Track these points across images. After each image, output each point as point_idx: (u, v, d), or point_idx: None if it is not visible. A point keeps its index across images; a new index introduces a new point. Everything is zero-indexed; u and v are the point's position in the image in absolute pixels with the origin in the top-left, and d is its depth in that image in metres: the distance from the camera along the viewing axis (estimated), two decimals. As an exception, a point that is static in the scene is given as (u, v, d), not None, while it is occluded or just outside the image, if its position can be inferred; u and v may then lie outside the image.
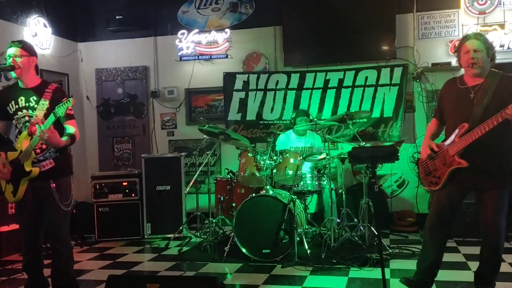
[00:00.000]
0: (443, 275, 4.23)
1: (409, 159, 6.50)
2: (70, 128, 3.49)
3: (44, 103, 3.45)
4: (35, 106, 3.46)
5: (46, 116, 3.39)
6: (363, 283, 4.15)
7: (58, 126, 3.44)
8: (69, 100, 3.24)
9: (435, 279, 4.08)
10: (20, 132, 3.50)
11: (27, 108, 3.48)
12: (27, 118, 3.47)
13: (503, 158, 3.24)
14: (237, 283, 4.31)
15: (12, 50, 3.46)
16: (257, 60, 7.14)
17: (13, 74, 3.48)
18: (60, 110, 3.23)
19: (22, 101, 3.49)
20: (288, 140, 5.95)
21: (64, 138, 3.41)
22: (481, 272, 3.35)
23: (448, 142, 3.32)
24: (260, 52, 7.12)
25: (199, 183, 6.31)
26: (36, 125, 3.35)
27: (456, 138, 3.22)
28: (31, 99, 3.48)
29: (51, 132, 3.26)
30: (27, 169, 3.41)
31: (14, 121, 3.53)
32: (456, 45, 3.39)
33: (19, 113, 3.49)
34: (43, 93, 3.48)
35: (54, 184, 3.48)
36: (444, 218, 3.42)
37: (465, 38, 3.31)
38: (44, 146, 3.47)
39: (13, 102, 3.50)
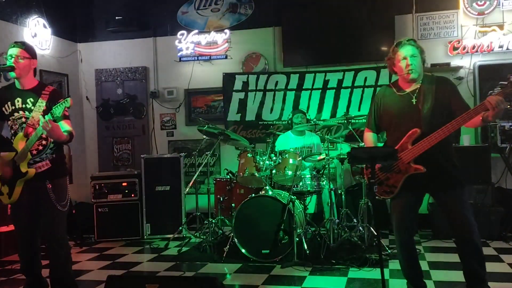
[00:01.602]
0: (442, 275, 4.25)
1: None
2: (66, 126, 3.49)
3: (41, 105, 3.45)
4: (32, 107, 3.47)
5: (42, 118, 3.40)
6: (362, 283, 4.15)
7: None
8: (66, 100, 3.24)
9: (434, 279, 4.11)
10: (15, 133, 3.50)
11: (23, 109, 3.48)
12: (23, 119, 3.48)
13: (451, 157, 3.30)
14: (237, 284, 4.31)
15: (14, 51, 3.47)
16: (256, 60, 7.14)
17: (12, 74, 3.49)
18: (58, 110, 3.24)
19: (18, 102, 3.49)
20: (287, 141, 5.95)
21: (65, 133, 3.42)
22: (470, 270, 3.30)
23: (398, 149, 3.26)
24: (259, 52, 7.12)
25: (198, 184, 6.32)
26: (40, 116, 3.34)
27: (408, 145, 3.21)
28: (28, 100, 3.49)
29: (54, 124, 3.26)
30: (23, 170, 3.40)
31: (9, 122, 3.53)
32: (391, 51, 3.35)
33: (16, 114, 3.49)
34: (40, 94, 3.48)
35: (50, 185, 3.48)
36: (410, 227, 3.44)
37: (399, 44, 3.30)
38: (40, 147, 3.47)
39: (9, 103, 3.50)
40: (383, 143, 3.73)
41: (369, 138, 3.61)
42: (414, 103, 3.26)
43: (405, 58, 3.26)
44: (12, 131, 3.53)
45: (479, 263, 3.26)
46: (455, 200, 3.25)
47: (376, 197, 3.37)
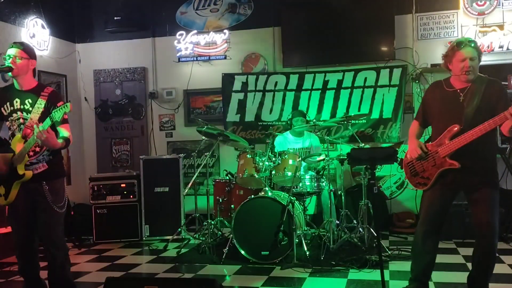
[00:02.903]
0: (442, 276, 4.23)
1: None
2: (64, 132, 3.48)
3: (40, 106, 3.43)
4: (30, 108, 3.45)
5: (41, 119, 3.39)
6: (362, 285, 4.13)
7: (52, 129, 3.42)
8: (66, 106, 3.22)
9: (434, 281, 4.09)
10: (13, 135, 3.48)
11: (22, 110, 3.46)
12: (21, 120, 3.46)
13: (490, 158, 3.34)
14: (236, 285, 4.29)
15: (12, 51, 3.45)
16: (255, 61, 7.13)
17: (10, 74, 3.47)
18: (57, 115, 3.22)
19: (17, 103, 3.48)
20: (285, 141, 5.93)
21: (60, 141, 3.40)
22: (475, 274, 3.33)
23: (436, 143, 3.33)
24: (258, 53, 7.10)
25: (197, 185, 6.30)
26: (34, 126, 3.33)
27: (446, 140, 3.26)
28: (26, 101, 3.47)
29: (49, 133, 3.24)
30: (20, 172, 3.38)
31: (8, 123, 3.51)
32: (450, 49, 3.36)
33: (14, 115, 3.47)
34: (39, 96, 3.46)
35: (47, 186, 3.46)
36: (437, 223, 3.43)
37: (460, 44, 3.31)
38: (37, 149, 3.45)
39: (8, 103, 3.48)
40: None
41: (412, 129, 3.65)
42: (461, 100, 3.29)
43: (464, 59, 3.26)
44: (10, 132, 3.52)
45: (489, 269, 3.29)
46: (483, 203, 3.25)
47: (410, 187, 3.40)
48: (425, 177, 3.40)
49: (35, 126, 3.33)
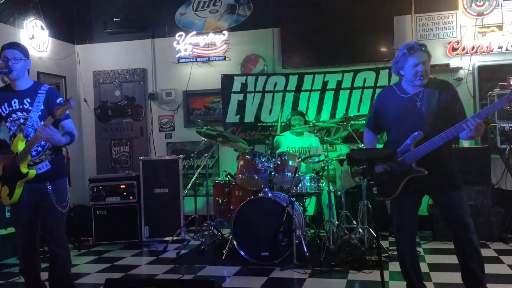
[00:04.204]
0: (442, 277, 4.23)
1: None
2: (68, 127, 3.50)
3: (39, 105, 3.44)
4: (30, 108, 3.46)
5: (41, 117, 3.41)
6: (362, 285, 4.14)
7: (55, 126, 3.44)
8: (68, 102, 3.24)
9: (434, 281, 4.09)
10: (14, 135, 3.48)
11: (21, 110, 3.47)
12: (22, 120, 3.46)
13: (451, 160, 3.34)
14: (236, 286, 4.28)
15: (9, 53, 3.45)
16: (255, 62, 7.12)
17: (8, 76, 3.47)
18: (59, 112, 3.24)
19: (15, 103, 3.48)
20: (285, 141, 5.93)
21: (64, 136, 3.41)
22: (469, 272, 3.30)
23: (400, 151, 3.29)
24: (258, 54, 7.10)
25: (197, 186, 6.29)
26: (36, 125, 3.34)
27: (411, 147, 3.25)
28: (25, 101, 3.47)
29: (51, 130, 3.26)
30: (24, 171, 3.39)
31: (7, 124, 3.51)
32: (396, 53, 3.40)
33: (13, 115, 3.47)
34: (37, 94, 3.47)
35: (50, 186, 3.47)
36: (410, 228, 3.45)
37: (411, 49, 3.29)
38: (39, 149, 3.46)
39: (6, 104, 3.49)
40: (382, 144, 3.73)
41: (367, 138, 3.67)
42: (419, 106, 3.28)
43: (417, 64, 3.26)
44: (11, 133, 3.52)
45: (478, 265, 3.27)
46: (454, 202, 3.28)
47: (376, 198, 3.37)
48: (391, 186, 3.34)
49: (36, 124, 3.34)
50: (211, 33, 7.11)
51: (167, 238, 6.02)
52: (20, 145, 3.40)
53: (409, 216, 3.43)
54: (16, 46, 3.53)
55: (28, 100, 3.47)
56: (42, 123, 3.34)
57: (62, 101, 3.40)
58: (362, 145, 5.52)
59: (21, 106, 3.47)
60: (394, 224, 3.52)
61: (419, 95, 3.30)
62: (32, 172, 3.42)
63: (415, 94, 3.32)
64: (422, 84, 3.30)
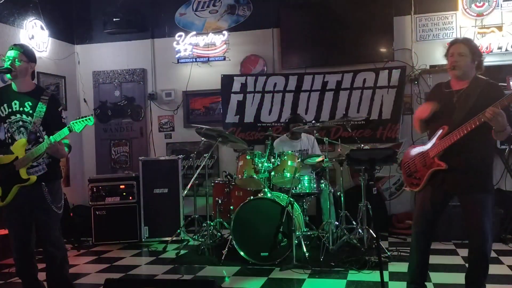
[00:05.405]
0: (441, 277, 4.23)
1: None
2: (65, 139, 3.48)
3: (41, 110, 3.44)
4: (30, 111, 3.45)
5: (43, 123, 3.43)
6: (362, 286, 4.13)
7: (48, 130, 3.44)
8: (90, 119, 3.34)
9: (434, 282, 4.09)
10: (12, 137, 3.46)
11: (21, 112, 3.46)
12: (21, 123, 3.45)
13: (484, 161, 3.27)
14: (235, 287, 4.28)
15: (12, 53, 3.46)
16: (255, 62, 7.13)
17: (8, 76, 3.47)
18: (78, 127, 3.32)
19: (16, 105, 3.47)
20: (283, 144, 5.91)
21: (66, 149, 3.46)
22: (471, 275, 3.33)
23: (429, 144, 3.34)
24: (258, 54, 7.10)
25: (197, 186, 6.28)
26: (45, 137, 3.37)
27: (437, 140, 3.26)
28: (26, 104, 3.46)
29: (60, 144, 3.32)
30: (24, 176, 3.39)
31: (5, 125, 3.49)
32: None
33: (13, 117, 3.46)
34: (39, 99, 3.46)
35: (46, 188, 3.47)
36: (429, 224, 3.42)
37: (453, 42, 3.34)
38: None
39: (5, 105, 3.47)
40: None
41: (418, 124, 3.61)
42: (454, 102, 3.27)
43: (452, 55, 3.27)
44: (9, 134, 3.49)
45: (483, 272, 3.28)
46: (477, 205, 3.21)
47: (404, 188, 3.38)
48: (418, 178, 3.39)
49: (46, 137, 3.36)
50: (211, 33, 7.12)
51: (167, 238, 6.02)
52: (22, 150, 3.40)
53: (429, 209, 3.35)
54: (20, 47, 3.53)
55: (30, 104, 3.46)
56: (44, 132, 3.41)
57: (61, 110, 3.52)
58: (362, 145, 5.52)
59: (21, 109, 3.46)
60: (414, 215, 3.52)
61: (459, 92, 3.28)
62: (33, 178, 3.42)
63: (456, 90, 3.31)
64: (456, 75, 3.29)
